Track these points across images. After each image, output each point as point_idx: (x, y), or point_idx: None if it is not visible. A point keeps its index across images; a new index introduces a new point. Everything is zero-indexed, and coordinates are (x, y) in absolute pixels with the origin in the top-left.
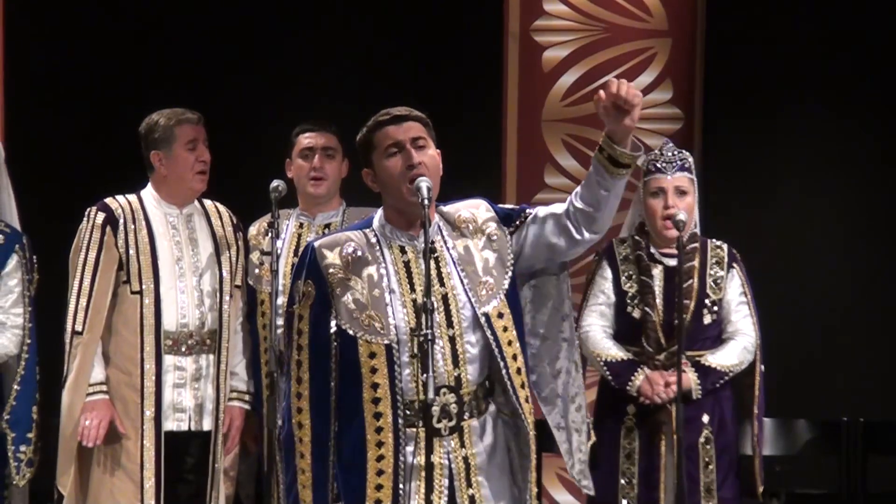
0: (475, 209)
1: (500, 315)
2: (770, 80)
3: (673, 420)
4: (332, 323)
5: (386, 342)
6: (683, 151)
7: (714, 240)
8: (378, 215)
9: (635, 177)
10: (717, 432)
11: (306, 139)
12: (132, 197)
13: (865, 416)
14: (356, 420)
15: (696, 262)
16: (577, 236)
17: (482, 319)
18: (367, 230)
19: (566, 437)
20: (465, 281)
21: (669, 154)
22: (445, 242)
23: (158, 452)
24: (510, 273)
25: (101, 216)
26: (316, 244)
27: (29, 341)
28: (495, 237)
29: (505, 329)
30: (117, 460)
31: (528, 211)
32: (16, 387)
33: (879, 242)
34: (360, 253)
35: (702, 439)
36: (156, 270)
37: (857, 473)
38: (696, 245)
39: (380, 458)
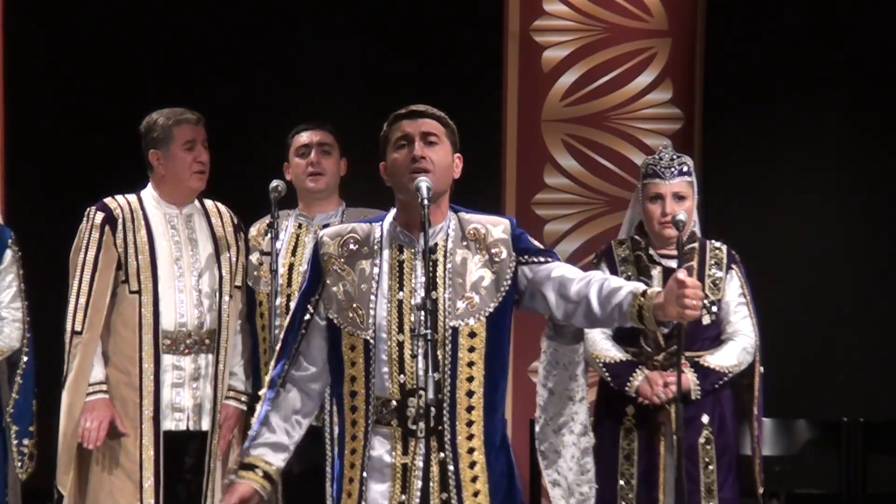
0: (493, 226)
1: (472, 335)
2: (770, 80)
3: (672, 421)
4: (308, 312)
5: (365, 337)
6: (682, 155)
7: (713, 240)
8: (391, 212)
9: (634, 177)
10: (717, 432)
11: (302, 137)
12: (132, 197)
13: (865, 416)
14: (342, 412)
15: (694, 263)
16: (566, 314)
17: (448, 332)
18: (376, 224)
19: (562, 495)
20: (449, 291)
21: (668, 158)
22: (447, 248)
23: (157, 452)
24: (502, 298)
25: (100, 216)
26: (321, 232)
27: (29, 335)
28: (499, 260)
29: (471, 349)
30: (116, 460)
31: (547, 258)
32: (18, 381)
33: (879, 242)
34: (358, 246)
35: (702, 440)
36: (154, 270)
37: (857, 473)
38: (695, 245)
39: (353, 452)
